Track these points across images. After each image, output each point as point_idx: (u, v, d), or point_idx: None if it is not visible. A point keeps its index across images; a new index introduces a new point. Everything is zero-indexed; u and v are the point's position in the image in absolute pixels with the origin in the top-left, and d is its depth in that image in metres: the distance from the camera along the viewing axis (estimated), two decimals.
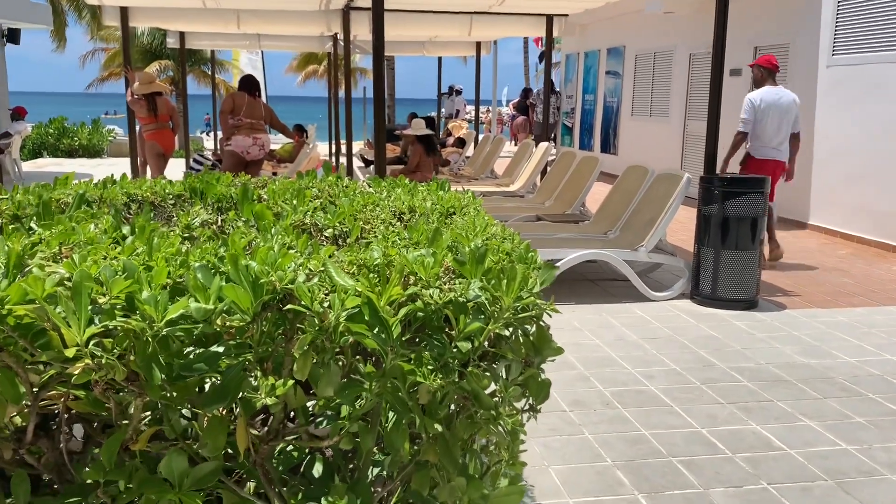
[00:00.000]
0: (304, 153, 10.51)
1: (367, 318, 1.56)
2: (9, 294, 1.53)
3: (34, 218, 2.33)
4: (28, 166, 15.28)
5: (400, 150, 12.50)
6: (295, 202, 2.62)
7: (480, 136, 14.00)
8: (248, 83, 8.30)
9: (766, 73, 6.71)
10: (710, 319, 5.26)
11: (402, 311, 1.58)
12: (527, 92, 18.38)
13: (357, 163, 13.12)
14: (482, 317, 1.63)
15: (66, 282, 1.64)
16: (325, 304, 1.57)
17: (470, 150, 13.78)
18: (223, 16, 9.77)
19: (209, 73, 22.25)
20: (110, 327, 1.52)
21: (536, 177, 9.56)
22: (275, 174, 10.18)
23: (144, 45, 22.77)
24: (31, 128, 16.65)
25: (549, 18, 9.72)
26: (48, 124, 18.44)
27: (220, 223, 2.32)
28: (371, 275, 1.68)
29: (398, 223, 2.48)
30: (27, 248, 1.83)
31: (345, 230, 2.33)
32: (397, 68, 24.45)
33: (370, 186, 3.25)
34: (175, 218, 2.59)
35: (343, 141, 15.22)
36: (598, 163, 7.46)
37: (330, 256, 1.83)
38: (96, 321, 1.55)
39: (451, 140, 14.58)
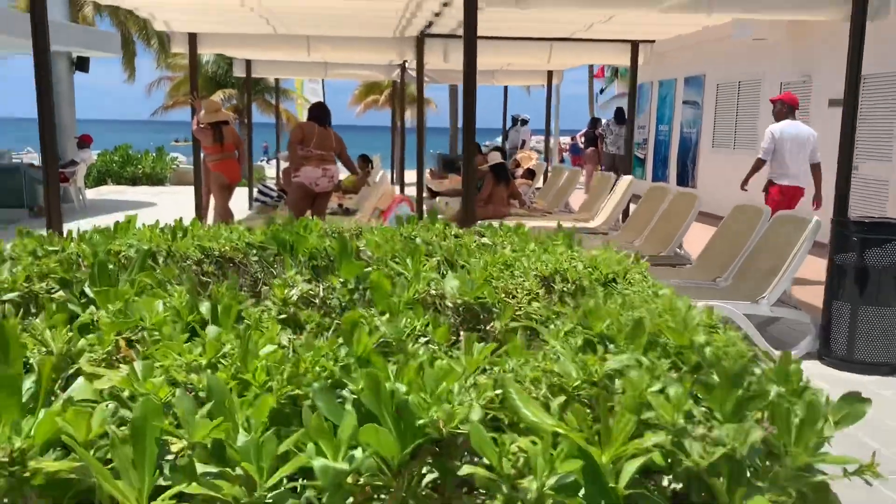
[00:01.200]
0: (372, 185, 10.07)
1: (583, 487, 0.98)
2: (35, 440, 1.00)
3: (87, 282, 1.82)
4: (91, 193, 15.24)
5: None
6: (409, 261, 2.06)
7: (550, 168, 13.42)
8: (319, 112, 7.89)
9: (787, 108, 7.36)
10: (847, 386, 4.52)
11: (630, 471, 0.99)
12: (595, 122, 17.72)
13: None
14: (760, 485, 1.03)
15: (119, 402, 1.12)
16: (518, 461, 1.00)
17: (539, 182, 13.20)
18: (293, 42, 9.43)
19: (272, 101, 22.28)
20: (187, 492, 0.98)
21: (619, 212, 8.91)
22: (340, 206, 9.74)
23: (209, 74, 22.92)
24: (96, 156, 16.69)
25: (635, 45, 9.11)
26: (113, 152, 18.53)
27: (321, 293, 1.77)
28: (572, 406, 1.11)
29: (548, 295, 1.90)
30: (74, 341, 1.30)
31: (486, 305, 1.76)
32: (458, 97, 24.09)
33: (483, 236, 2.69)
34: (261, 281, 2.06)
35: (407, 170, 14.85)
36: (697, 200, 6.79)
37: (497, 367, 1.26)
38: (165, 477, 1.01)
39: (519, 171, 14.03)
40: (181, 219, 2.53)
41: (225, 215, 8.64)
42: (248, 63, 12.85)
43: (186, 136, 34.62)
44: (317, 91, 20.69)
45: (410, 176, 12.38)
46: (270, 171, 20.58)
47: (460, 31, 5.19)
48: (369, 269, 1.96)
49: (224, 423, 0.99)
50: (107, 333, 1.35)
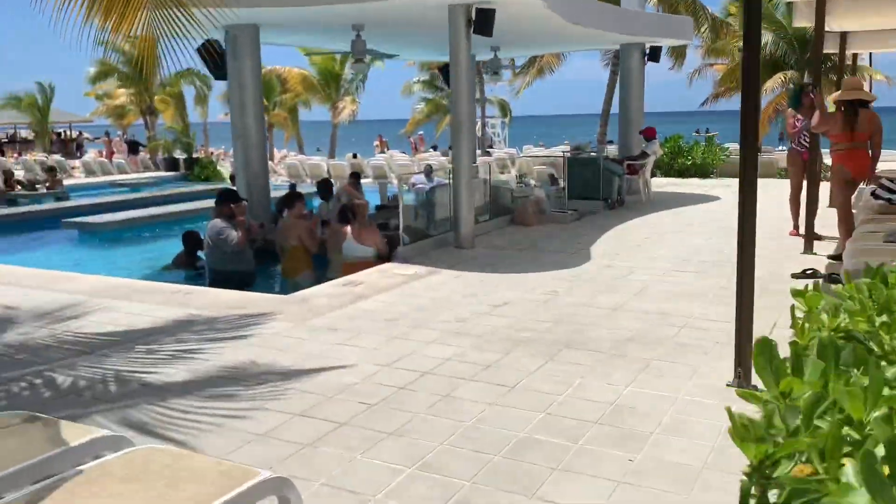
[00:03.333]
0: None
1: None
2: None
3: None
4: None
5: None
6: None
7: None
8: None
9: None
10: None
11: None
12: None
13: None
14: None
15: None
16: None
17: None
18: None
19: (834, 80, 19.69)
20: None
21: None
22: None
23: (764, 57, 21.36)
24: (660, 148, 16.58)
25: None
26: (663, 143, 18.39)
27: None
28: None
29: None
30: None
31: None
32: None
33: None
34: None
35: None
36: None
37: None
38: None
39: None
40: None
41: (846, 217, 7.21)
42: (843, 36, 11.03)
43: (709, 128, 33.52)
44: None
45: None
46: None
47: None
48: None
49: None
50: None
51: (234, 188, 8.63)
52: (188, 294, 6.79)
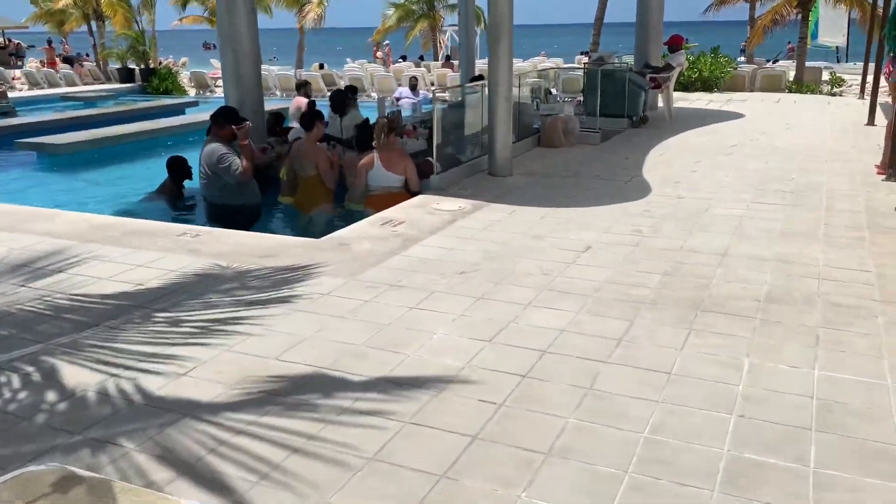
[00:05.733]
0: None
1: None
2: None
3: None
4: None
5: None
6: None
7: None
8: None
9: None
10: None
11: None
12: None
13: None
14: None
15: None
16: None
17: None
18: None
19: None
20: None
21: None
22: None
23: None
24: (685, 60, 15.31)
25: None
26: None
27: None
28: None
29: None
30: None
31: None
32: None
33: None
34: None
35: None
36: None
37: None
38: None
39: None
40: None
41: None
42: None
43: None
44: None
45: None
46: None
47: None
48: None
49: None
50: None
51: (234, 107, 7.22)
52: (197, 237, 5.59)
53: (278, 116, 9.64)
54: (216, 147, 6.62)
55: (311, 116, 7.22)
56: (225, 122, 6.75)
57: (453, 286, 4.51)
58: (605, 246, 5.30)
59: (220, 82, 23.16)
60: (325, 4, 27.67)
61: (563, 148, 9.42)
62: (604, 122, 10.47)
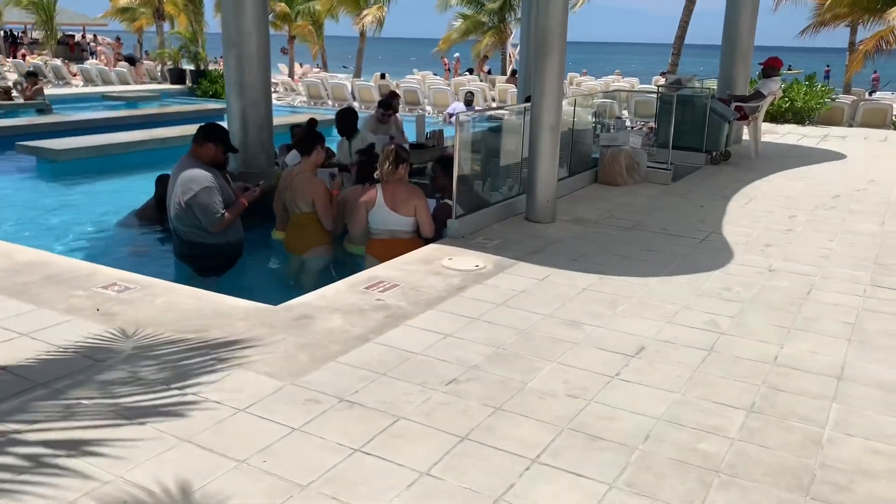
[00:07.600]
0: None
1: None
2: None
3: None
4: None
5: None
6: None
7: None
8: None
9: None
10: None
11: None
12: None
13: None
14: None
15: None
16: None
17: None
18: None
19: None
20: None
21: None
22: None
23: None
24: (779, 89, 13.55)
25: None
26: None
27: None
28: None
29: None
30: None
31: None
32: None
33: None
34: None
35: None
36: None
37: None
38: None
39: None
40: None
41: None
42: None
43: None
44: None
45: None
46: None
47: None
48: None
49: None
50: None
51: (224, 126, 5.89)
52: (125, 291, 4.27)
53: (312, 139, 8.30)
54: (198, 176, 5.24)
55: (310, 138, 5.85)
56: (205, 140, 5.42)
57: (431, 410, 3.05)
58: (666, 348, 3.76)
59: (278, 87, 22.37)
60: (385, 9, 26.58)
61: (625, 186, 7.86)
62: (677, 157, 8.85)
